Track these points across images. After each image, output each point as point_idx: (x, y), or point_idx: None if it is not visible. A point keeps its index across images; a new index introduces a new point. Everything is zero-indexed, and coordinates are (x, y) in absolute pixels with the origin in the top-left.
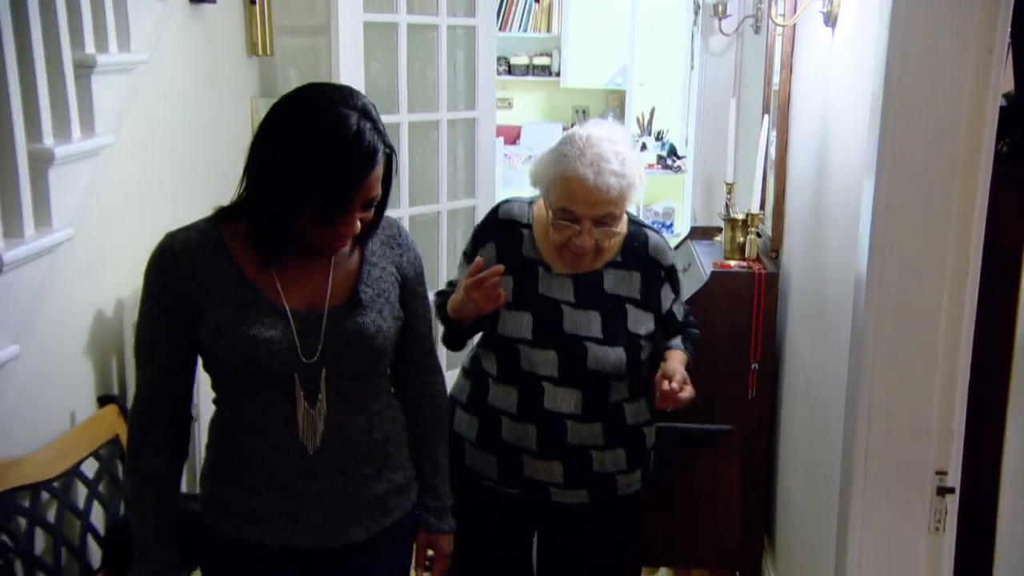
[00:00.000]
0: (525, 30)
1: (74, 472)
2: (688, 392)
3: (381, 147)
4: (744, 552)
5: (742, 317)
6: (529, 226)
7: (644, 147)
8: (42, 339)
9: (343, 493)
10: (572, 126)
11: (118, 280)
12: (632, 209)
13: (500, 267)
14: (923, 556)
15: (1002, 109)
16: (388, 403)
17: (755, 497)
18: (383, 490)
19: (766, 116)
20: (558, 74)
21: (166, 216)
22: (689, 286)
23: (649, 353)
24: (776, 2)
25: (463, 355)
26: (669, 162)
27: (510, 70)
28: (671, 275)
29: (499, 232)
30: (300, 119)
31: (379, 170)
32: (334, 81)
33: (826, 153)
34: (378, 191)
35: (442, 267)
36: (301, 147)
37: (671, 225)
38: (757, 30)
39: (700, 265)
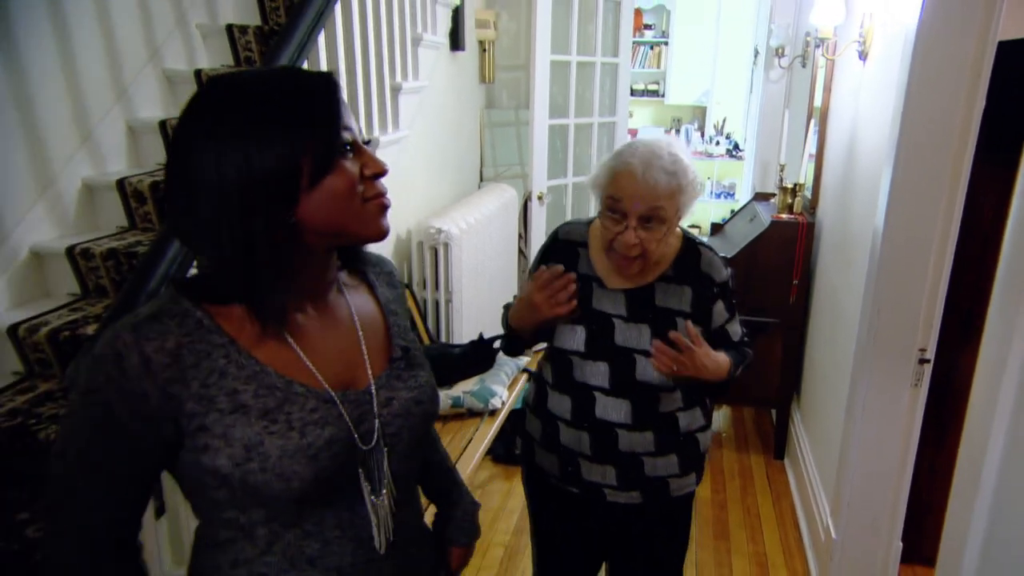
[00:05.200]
0: (643, 67)
1: None
2: (689, 362)
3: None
4: (780, 398)
5: (789, 250)
6: (585, 244)
7: (718, 143)
8: (371, 248)
9: None
10: (671, 130)
11: (407, 216)
12: (686, 223)
13: (572, 275)
14: (906, 402)
15: None
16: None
17: (790, 364)
18: None
19: (811, 121)
20: (663, 95)
21: (433, 178)
22: (754, 230)
23: None
24: (823, 45)
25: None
26: (734, 153)
27: (632, 92)
28: (724, 291)
29: (559, 252)
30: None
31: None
32: (531, 97)
33: (854, 146)
34: (355, 123)
35: None
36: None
37: (733, 194)
38: (804, 64)
39: (762, 216)
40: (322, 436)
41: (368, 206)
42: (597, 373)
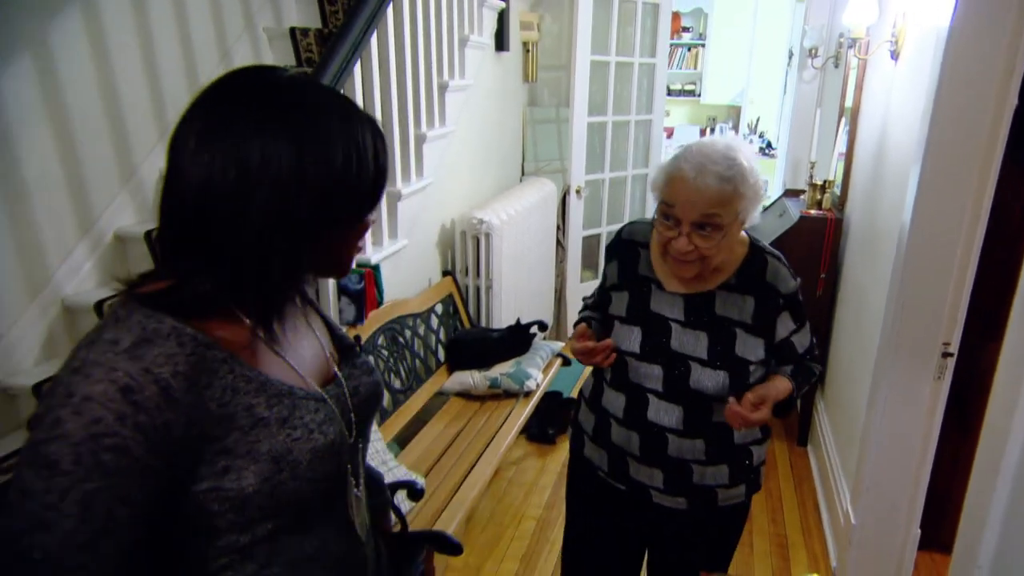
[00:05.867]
0: (680, 67)
1: (431, 310)
2: (759, 415)
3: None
4: None
5: (817, 245)
6: (647, 245)
7: (751, 142)
8: (418, 237)
9: None
10: (706, 128)
11: (451, 207)
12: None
13: (609, 342)
14: (928, 395)
15: None
16: None
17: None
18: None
19: (842, 120)
20: (699, 95)
21: (477, 171)
22: (783, 225)
23: (760, 378)
24: (855, 45)
25: None
26: (766, 151)
27: (669, 92)
28: (792, 303)
29: (621, 251)
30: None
31: None
32: (571, 96)
33: (883, 144)
34: None
35: (626, 213)
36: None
37: (764, 191)
38: (836, 65)
39: (791, 212)
40: (337, 432)
41: (354, 245)
42: (651, 376)
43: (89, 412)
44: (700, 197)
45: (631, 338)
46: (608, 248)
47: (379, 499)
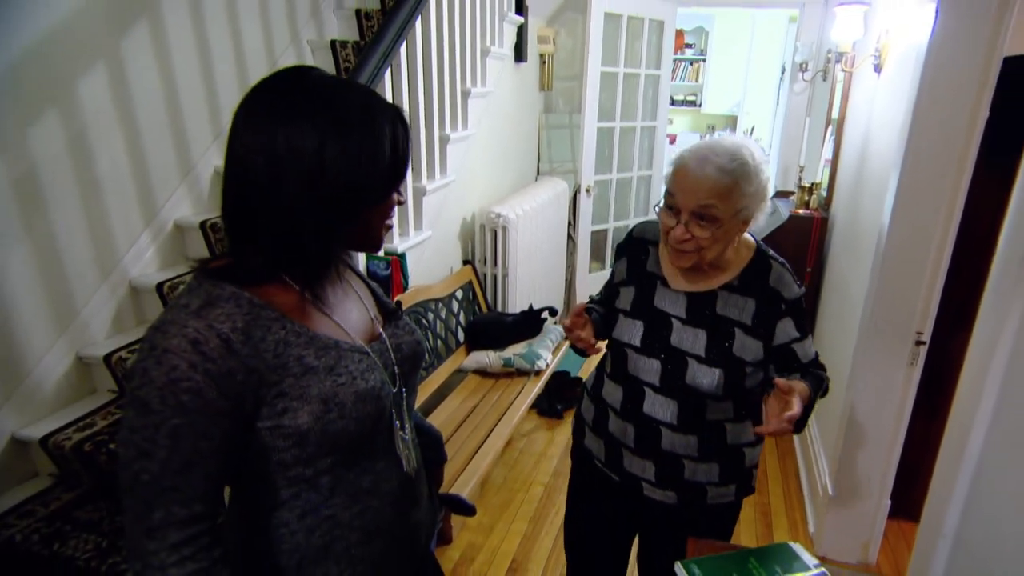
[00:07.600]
0: (683, 80)
1: (452, 295)
2: (790, 412)
3: None
4: None
5: (804, 242)
6: (656, 243)
7: None
8: (440, 229)
9: (430, 522)
10: (705, 135)
11: (471, 202)
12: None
13: (590, 336)
14: (901, 379)
15: None
16: None
17: None
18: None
19: (829, 128)
20: (699, 105)
21: (496, 171)
22: (773, 223)
23: (759, 381)
24: (842, 59)
25: None
26: None
27: (672, 102)
28: (795, 311)
29: (631, 248)
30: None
31: None
32: (583, 104)
33: (866, 151)
34: None
35: (631, 210)
36: (362, 124)
37: None
38: (824, 78)
39: (781, 211)
40: (377, 380)
41: (383, 220)
42: (649, 370)
43: (168, 361)
44: (699, 187)
45: (633, 331)
46: (619, 247)
47: (436, 454)
